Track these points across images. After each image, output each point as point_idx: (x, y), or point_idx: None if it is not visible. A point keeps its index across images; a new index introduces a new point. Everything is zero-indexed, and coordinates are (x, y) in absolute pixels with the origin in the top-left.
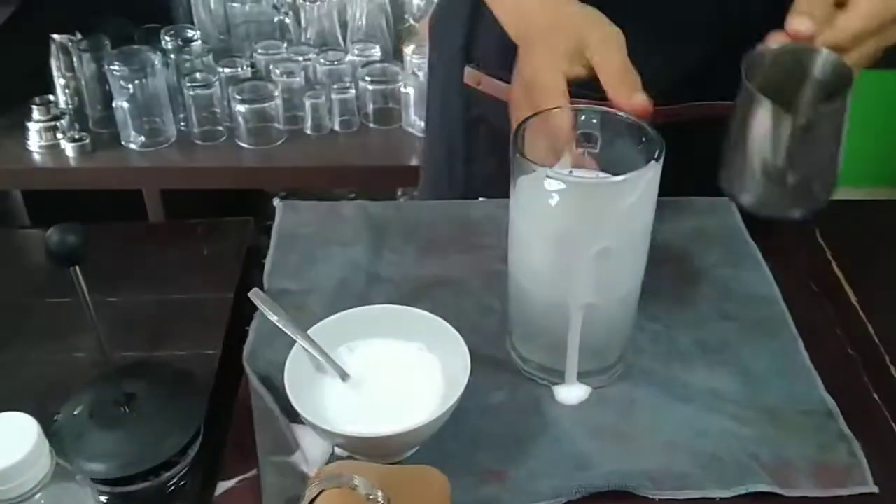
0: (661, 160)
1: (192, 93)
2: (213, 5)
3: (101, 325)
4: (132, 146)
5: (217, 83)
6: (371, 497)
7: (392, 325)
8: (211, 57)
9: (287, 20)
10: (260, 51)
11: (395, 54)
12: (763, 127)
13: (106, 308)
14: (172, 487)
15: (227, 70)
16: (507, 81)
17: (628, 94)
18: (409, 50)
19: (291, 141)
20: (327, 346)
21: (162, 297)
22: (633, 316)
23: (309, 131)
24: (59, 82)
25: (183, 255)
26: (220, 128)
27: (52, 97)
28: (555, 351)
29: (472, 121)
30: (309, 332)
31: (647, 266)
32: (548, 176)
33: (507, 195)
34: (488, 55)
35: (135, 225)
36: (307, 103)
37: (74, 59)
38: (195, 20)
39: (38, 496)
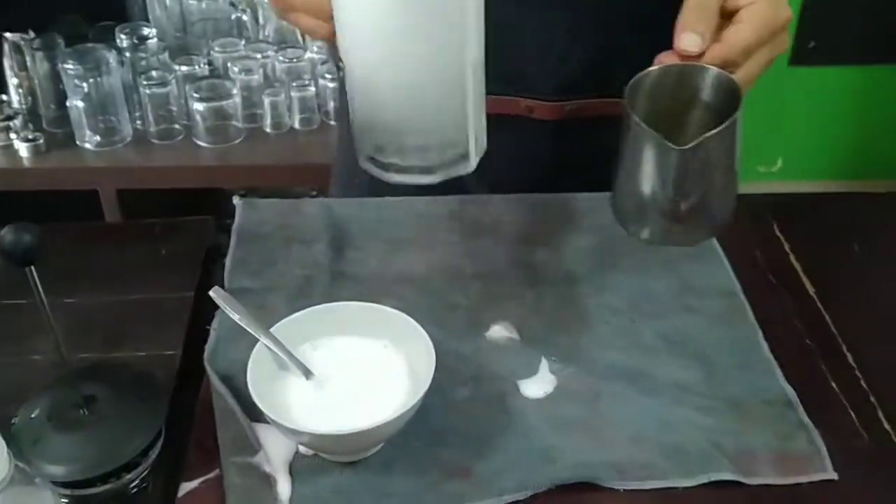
0: None
1: (148, 91)
2: (168, 2)
3: (58, 326)
4: (87, 146)
5: (174, 81)
6: None
7: (356, 322)
8: (167, 55)
9: (245, 17)
10: (217, 48)
11: None
12: (648, 158)
13: (63, 309)
14: (135, 489)
15: (184, 68)
16: None
17: None
18: None
19: (250, 139)
20: (290, 344)
21: (120, 298)
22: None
23: (268, 129)
24: (12, 81)
25: (141, 255)
26: (178, 126)
27: (4, 97)
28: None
29: None
30: (271, 329)
31: (607, 260)
32: None
33: (420, 186)
34: None
35: (91, 225)
36: (266, 101)
37: (27, 58)
38: (150, 18)
39: None
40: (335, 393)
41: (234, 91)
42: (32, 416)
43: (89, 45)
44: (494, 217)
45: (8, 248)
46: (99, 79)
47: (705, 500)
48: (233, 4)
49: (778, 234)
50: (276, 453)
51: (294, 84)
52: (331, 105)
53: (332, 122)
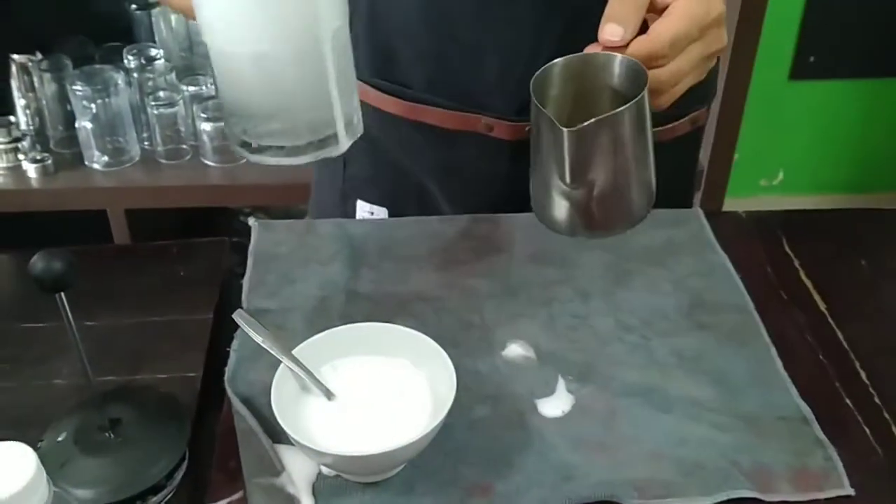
0: None
1: (156, 112)
2: (174, 23)
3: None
4: (95, 166)
5: (181, 101)
6: None
7: (375, 342)
8: (174, 75)
9: None
10: None
11: None
12: (545, 142)
13: (84, 332)
14: None
15: (191, 88)
16: (379, 89)
17: None
18: None
19: None
20: (312, 366)
21: (140, 320)
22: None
23: None
24: (20, 103)
25: (159, 277)
26: (185, 146)
27: (12, 118)
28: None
29: None
30: (293, 351)
31: (619, 278)
32: None
33: (381, 195)
34: (361, 66)
35: (109, 247)
36: None
37: (35, 80)
38: (157, 38)
39: None
40: (357, 414)
41: None
42: (59, 439)
43: (97, 66)
44: (506, 236)
45: (39, 275)
46: (107, 99)
47: None
48: None
49: (787, 250)
50: (299, 474)
51: None
52: None
53: None
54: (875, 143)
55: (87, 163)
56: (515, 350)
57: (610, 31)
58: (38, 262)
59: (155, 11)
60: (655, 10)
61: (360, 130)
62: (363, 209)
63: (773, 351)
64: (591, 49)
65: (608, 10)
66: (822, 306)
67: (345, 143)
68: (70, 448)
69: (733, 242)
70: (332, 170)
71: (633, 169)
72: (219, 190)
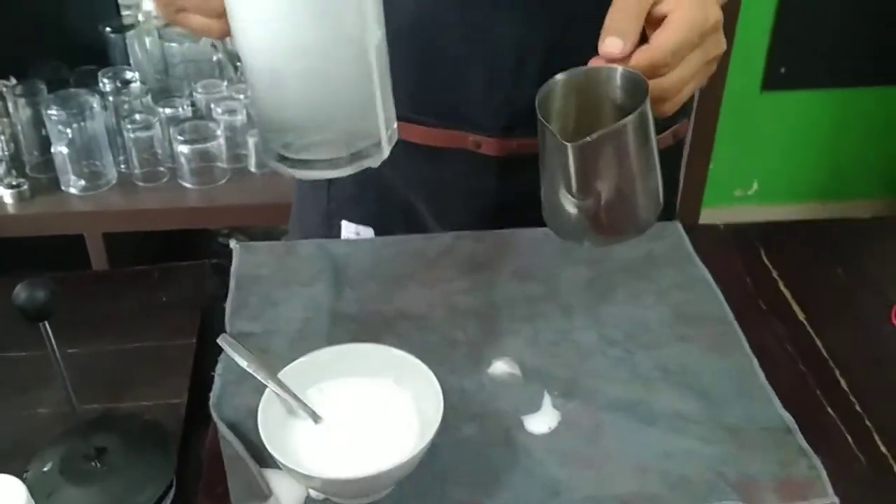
0: None
1: (132, 135)
2: (149, 45)
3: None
4: (72, 190)
5: (157, 124)
6: None
7: (360, 363)
8: (150, 98)
9: (222, 57)
10: (200, 90)
11: None
12: (551, 156)
13: (67, 360)
14: None
15: (167, 110)
16: None
17: None
18: None
19: (235, 179)
20: (297, 389)
21: (122, 346)
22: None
23: (253, 169)
24: None
25: (140, 302)
26: (162, 168)
27: None
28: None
29: None
30: (279, 375)
31: (601, 292)
32: None
33: (367, 214)
34: None
35: (89, 273)
36: (250, 141)
37: (10, 105)
38: (132, 61)
39: None
40: (344, 436)
41: (218, 132)
42: (45, 469)
43: (72, 90)
44: (489, 252)
45: (22, 305)
46: (83, 123)
47: None
48: (213, 46)
49: (766, 261)
50: (287, 499)
51: None
52: None
53: None
54: (847, 151)
55: (63, 187)
56: (501, 367)
57: (610, 43)
58: (21, 292)
59: (129, 34)
60: (652, 21)
61: (396, 137)
62: (349, 229)
63: (755, 362)
64: (593, 63)
65: (607, 23)
66: (801, 315)
67: (386, 151)
68: (56, 478)
69: (712, 254)
70: (315, 190)
71: (638, 178)
72: (197, 212)
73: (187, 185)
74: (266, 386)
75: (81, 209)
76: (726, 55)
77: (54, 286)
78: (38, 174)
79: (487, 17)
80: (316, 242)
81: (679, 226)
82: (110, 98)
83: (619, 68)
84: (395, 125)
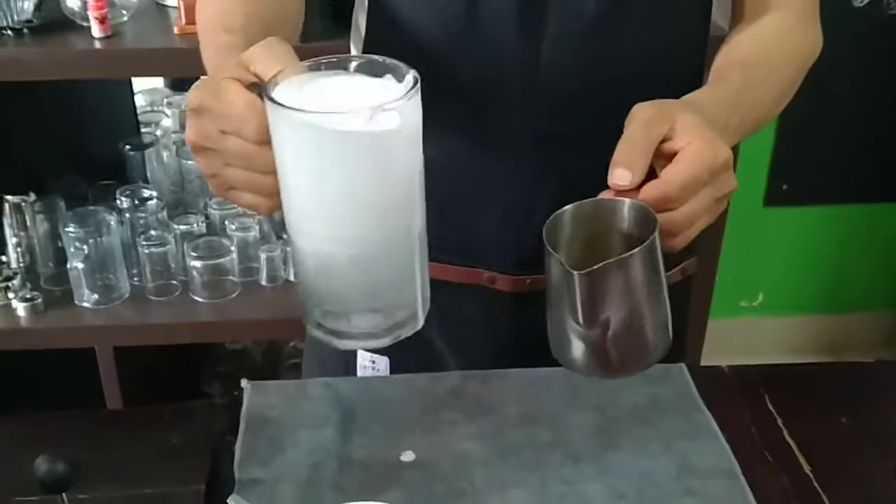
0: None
1: (147, 251)
2: (166, 160)
3: None
4: (85, 304)
5: (172, 240)
6: None
7: None
8: (165, 213)
9: None
10: (214, 206)
11: None
12: (558, 285)
13: None
14: None
15: (182, 227)
16: None
17: None
18: None
19: (246, 293)
20: None
21: (131, 492)
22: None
23: (264, 282)
24: (12, 241)
25: (150, 445)
26: (175, 282)
27: (3, 257)
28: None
29: None
30: None
31: (608, 440)
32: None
33: None
34: None
35: (100, 412)
36: (262, 256)
37: (27, 219)
38: (149, 176)
39: None
40: None
41: (231, 248)
42: None
43: (90, 207)
44: (497, 395)
45: (42, 478)
46: (99, 239)
47: None
48: None
49: (770, 408)
50: None
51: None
52: None
53: None
54: (850, 265)
55: (77, 301)
56: None
57: (619, 175)
58: (41, 465)
59: (148, 151)
60: (663, 157)
61: (429, 305)
62: (364, 358)
63: None
64: (602, 195)
65: (616, 155)
66: (807, 468)
67: (421, 322)
68: None
69: (717, 400)
70: None
71: (646, 311)
72: (207, 326)
73: (198, 298)
74: None
75: (94, 323)
76: None
77: (75, 458)
78: (52, 286)
79: (501, 164)
80: (324, 382)
81: (685, 369)
82: (127, 215)
83: (628, 201)
84: (429, 293)
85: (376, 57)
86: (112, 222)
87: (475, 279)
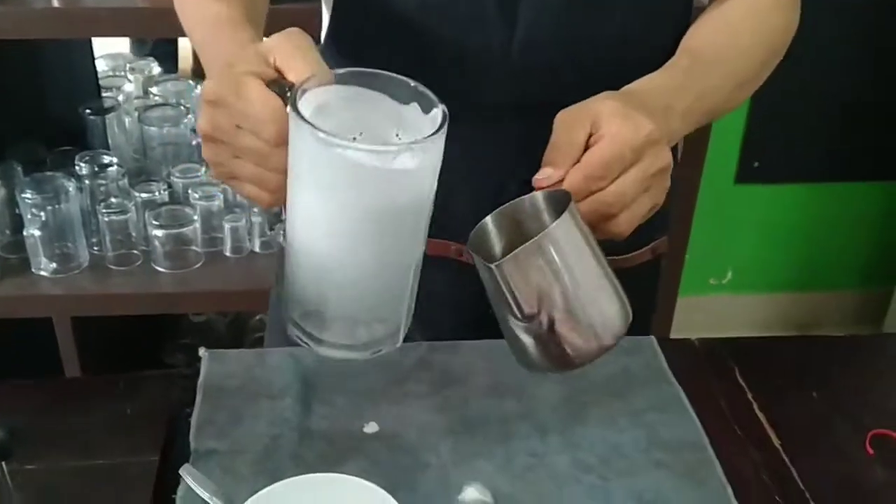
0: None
1: (106, 219)
2: (128, 127)
3: (19, 495)
4: (43, 273)
5: (133, 208)
6: None
7: (324, 495)
8: (126, 181)
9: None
10: (177, 174)
11: None
12: (487, 284)
13: (24, 476)
14: None
15: (143, 195)
16: None
17: None
18: None
19: (210, 264)
20: None
21: (84, 463)
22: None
23: (228, 253)
24: None
25: (104, 415)
26: (136, 252)
27: None
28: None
29: None
30: None
31: (576, 411)
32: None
33: None
34: None
35: (52, 381)
36: (226, 226)
37: None
38: (110, 142)
39: None
40: None
41: (195, 217)
42: None
43: (48, 173)
44: (464, 365)
45: None
46: (57, 206)
47: None
48: (193, 131)
49: (740, 381)
50: None
51: (254, 208)
52: None
53: None
54: (818, 243)
55: (34, 269)
56: (472, 494)
57: (542, 174)
58: None
59: (109, 116)
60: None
61: (410, 321)
62: None
63: (730, 491)
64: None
65: (543, 160)
66: (777, 442)
67: (400, 340)
68: None
69: (686, 372)
70: None
71: (581, 290)
72: (169, 297)
73: (160, 268)
74: None
75: (52, 292)
76: (702, 148)
77: (12, 429)
78: (9, 254)
79: (472, 150)
80: (286, 351)
81: (654, 342)
82: (86, 181)
83: (542, 192)
84: (412, 313)
85: (406, 80)
86: (71, 189)
87: (443, 251)
